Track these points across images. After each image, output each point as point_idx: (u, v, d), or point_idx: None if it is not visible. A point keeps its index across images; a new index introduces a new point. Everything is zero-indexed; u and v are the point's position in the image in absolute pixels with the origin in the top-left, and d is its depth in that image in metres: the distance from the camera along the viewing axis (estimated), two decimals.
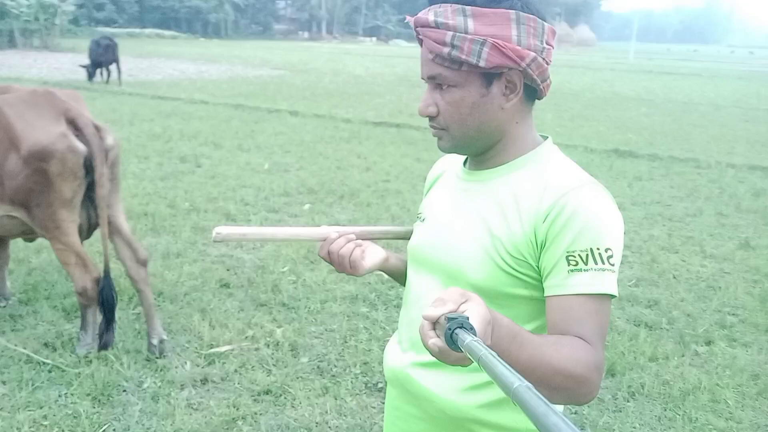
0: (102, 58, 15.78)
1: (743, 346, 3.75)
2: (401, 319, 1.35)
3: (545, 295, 1.10)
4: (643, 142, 10.58)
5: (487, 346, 0.76)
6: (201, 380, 3.19)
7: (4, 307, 3.86)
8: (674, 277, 4.77)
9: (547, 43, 1.11)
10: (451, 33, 1.08)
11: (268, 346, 3.54)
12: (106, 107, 11.84)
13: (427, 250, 1.25)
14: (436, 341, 0.82)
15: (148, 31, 50.09)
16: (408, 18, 1.19)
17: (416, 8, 1.26)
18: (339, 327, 3.78)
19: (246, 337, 3.62)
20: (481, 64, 1.08)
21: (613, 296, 1.07)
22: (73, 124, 3.35)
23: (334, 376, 3.29)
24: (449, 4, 1.09)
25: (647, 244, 5.55)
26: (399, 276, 1.40)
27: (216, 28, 59.44)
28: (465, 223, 1.19)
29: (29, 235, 3.64)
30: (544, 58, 1.11)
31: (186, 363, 3.34)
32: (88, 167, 3.37)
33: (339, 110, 13.02)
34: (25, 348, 3.39)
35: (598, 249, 1.05)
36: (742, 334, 3.90)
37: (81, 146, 3.31)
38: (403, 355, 1.29)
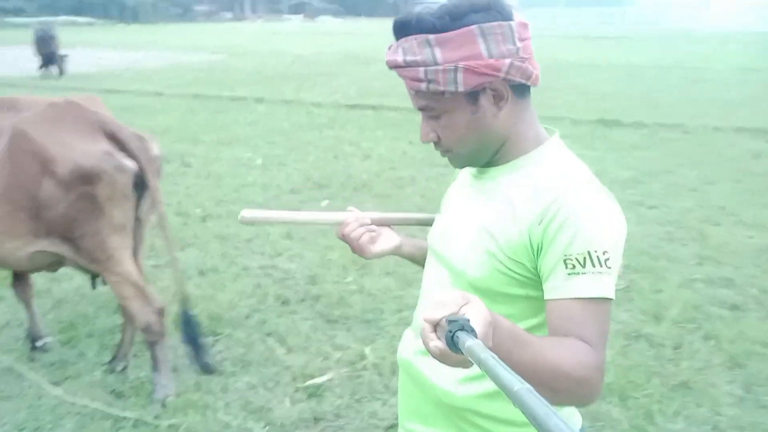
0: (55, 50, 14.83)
1: None
2: (417, 306, 1.37)
3: (545, 298, 1.09)
4: (620, 111, 10.59)
5: (489, 348, 0.77)
6: (313, 419, 2.83)
7: (45, 349, 3.35)
8: (733, 252, 4.67)
9: (521, 40, 1.08)
10: (422, 69, 1.07)
11: (366, 369, 3.20)
12: None
13: (437, 243, 1.30)
14: (438, 344, 0.83)
15: (61, 18, 47.06)
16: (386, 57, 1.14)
17: None
18: None
19: (337, 361, 3.26)
20: (460, 89, 1.08)
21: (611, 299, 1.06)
22: (114, 138, 2.89)
23: None
24: (413, 36, 1.07)
25: (686, 217, 5.45)
26: (418, 261, 1.45)
27: (134, 13, 56.64)
28: (468, 222, 1.21)
29: (55, 267, 3.16)
30: (521, 57, 1.08)
31: (285, 400, 2.97)
32: (137, 185, 2.93)
33: (304, 94, 12.49)
34: (93, 400, 2.93)
35: (595, 251, 1.04)
36: None
37: (129, 163, 2.86)
38: (413, 341, 1.32)
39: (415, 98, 1.14)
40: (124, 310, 3.16)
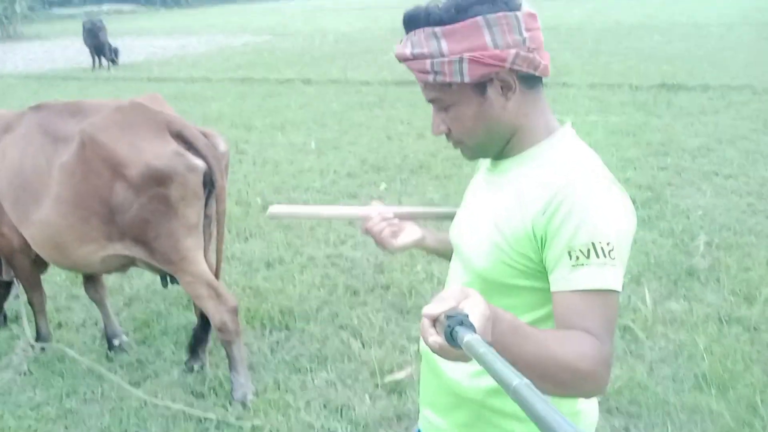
0: (105, 42, 15.06)
1: None
2: None
3: (551, 290, 1.09)
4: (684, 73, 10.10)
5: (489, 342, 0.78)
6: (396, 417, 2.76)
7: (122, 349, 3.36)
8: None
9: (528, 30, 1.08)
10: (429, 61, 1.08)
11: None
12: (105, 97, 11.07)
13: (455, 236, 1.33)
14: (436, 339, 0.83)
15: (106, 7, 47.84)
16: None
17: None
18: None
19: (414, 355, 3.17)
20: (466, 80, 1.08)
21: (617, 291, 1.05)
22: (181, 138, 2.83)
23: None
24: (422, 29, 1.09)
25: None
26: (443, 255, 1.47)
27: None
28: (480, 215, 1.23)
29: (126, 268, 3.15)
30: (528, 47, 1.08)
31: (365, 397, 2.90)
32: (206, 183, 2.88)
33: (351, 73, 12.34)
34: (174, 401, 2.92)
35: (599, 243, 1.03)
36: None
37: (199, 162, 2.81)
38: None
39: (425, 91, 1.16)
40: (198, 310, 3.14)
